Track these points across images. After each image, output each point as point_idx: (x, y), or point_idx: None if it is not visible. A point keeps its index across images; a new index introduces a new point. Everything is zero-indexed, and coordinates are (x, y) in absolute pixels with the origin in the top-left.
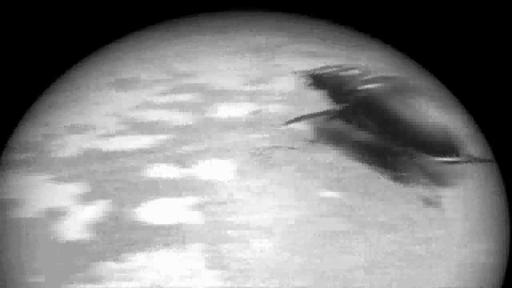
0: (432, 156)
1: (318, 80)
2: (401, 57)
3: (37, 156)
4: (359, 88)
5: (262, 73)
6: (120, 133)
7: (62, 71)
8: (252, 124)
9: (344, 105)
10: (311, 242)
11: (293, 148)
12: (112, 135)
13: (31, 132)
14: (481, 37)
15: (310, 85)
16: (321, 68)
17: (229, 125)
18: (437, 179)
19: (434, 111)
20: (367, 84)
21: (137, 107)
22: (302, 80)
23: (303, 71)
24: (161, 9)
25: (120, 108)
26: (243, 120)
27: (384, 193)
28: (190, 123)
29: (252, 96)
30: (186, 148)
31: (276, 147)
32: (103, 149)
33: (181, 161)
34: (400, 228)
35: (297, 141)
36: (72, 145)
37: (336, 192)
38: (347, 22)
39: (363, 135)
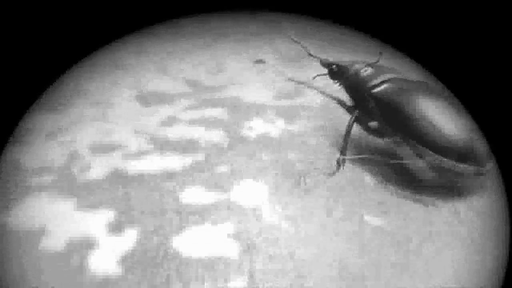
0: (456, 162)
1: (338, 73)
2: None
3: (59, 180)
4: (376, 87)
5: (293, 85)
6: (147, 152)
7: (61, 71)
8: (285, 142)
9: (361, 103)
10: (362, 274)
11: (330, 173)
12: (138, 155)
13: (50, 152)
14: (481, 37)
15: (331, 75)
16: (345, 61)
17: (262, 143)
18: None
19: (452, 115)
20: (384, 84)
21: (162, 123)
22: (324, 69)
23: (326, 60)
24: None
25: (144, 124)
26: (277, 138)
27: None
28: (221, 141)
29: (285, 112)
30: (218, 170)
31: (312, 168)
32: (130, 171)
33: (214, 184)
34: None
35: (332, 160)
36: (97, 167)
37: (379, 218)
38: (347, 22)
39: (379, 139)
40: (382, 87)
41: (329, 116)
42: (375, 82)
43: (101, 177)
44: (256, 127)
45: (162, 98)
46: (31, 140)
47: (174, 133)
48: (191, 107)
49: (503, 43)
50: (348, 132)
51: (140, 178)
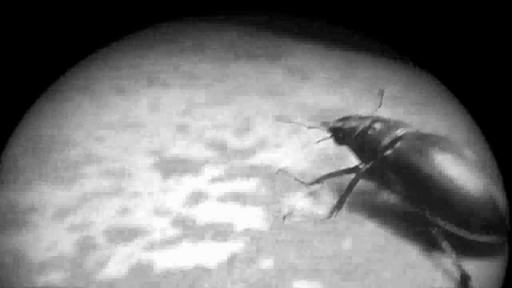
0: (472, 232)
1: (340, 134)
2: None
3: (71, 279)
4: (388, 147)
5: (338, 149)
6: (173, 241)
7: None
8: (340, 227)
9: (371, 164)
10: None
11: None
12: (163, 244)
13: (58, 238)
14: (481, 37)
15: (336, 140)
16: (343, 119)
17: (312, 228)
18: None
19: (476, 177)
20: (397, 142)
21: (188, 201)
22: (324, 133)
23: (323, 122)
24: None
25: (167, 202)
26: (329, 217)
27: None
28: (262, 225)
29: (333, 183)
30: (263, 264)
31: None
32: (157, 267)
33: (260, 284)
34: None
35: None
36: (116, 260)
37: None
38: (346, 21)
39: (391, 199)
40: (395, 147)
41: None
42: (386, 141)
43: (122, 275)
44: (300, 203)
45: (184, 166)
46: (34, 221)
47: (203, 213)
48: (219, 178)
49: (504, 43)
50: (351, 187)
51: (168, 277)
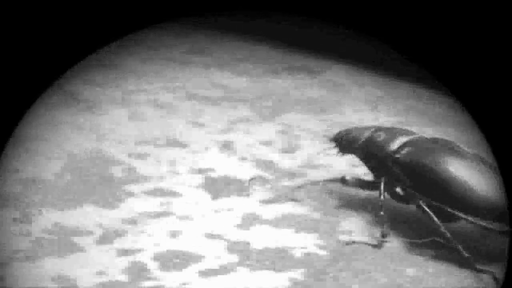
0: (493, 221)
1: (344, 143)
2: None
3: None
4: (398, 151)
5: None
6: (228, 269)
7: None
8: (403, 255)
9: (382, 170)
10: None
11: None
12: (218, 272)
13: (107, 261)
14: (482, 37)
15: (340, 149)
16: (345, 130)
17: (371, 255)
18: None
19: (486, 172)
20: (405, 147)
21: (240, 224)
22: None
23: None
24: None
25: (218, 226)
26: (388, 250)
27: None
28: (321, 252)
29: (391, 211)
30: None
31: None
32: None
33: None
34: None
35: None
36: None
37: None
38: (346, 21)
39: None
40: (405, 150)
41: None
42: (394, 146)
43: None
44: (357, 227)
45: (233, 187)
46: (81, 244)
47: (257, 238)
48: (270, 200)
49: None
50: (382, 204)
51: None
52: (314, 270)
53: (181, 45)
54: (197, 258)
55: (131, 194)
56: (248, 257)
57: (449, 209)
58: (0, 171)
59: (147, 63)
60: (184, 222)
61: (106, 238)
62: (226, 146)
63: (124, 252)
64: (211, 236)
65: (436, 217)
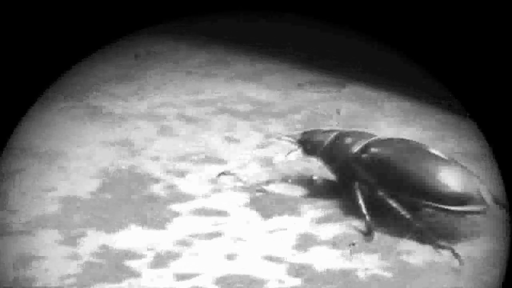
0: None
1: (308, 147)
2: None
3: None
4: (365, 153)
5: None
6: None
7: None
8: None
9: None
10: None
11: None
12: None
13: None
14: (482, 37)
15: (305, 152)
16: (308, 132)
17: None
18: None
19: (446, 170)
20: (371, 148)
21: (298, 246)
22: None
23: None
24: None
25: (277, 247)
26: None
27: None
28: (386, 273)
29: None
30: None
31: None
32: None
33: None
34: None
35: None
36: None
37: None
38: (346, 21)
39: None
40: (371, 151)
41: None
42: (358, 147)
43: None
44: (415, 248)
45: (282, 205)
46: (134, 268)
47: (318, 260)
48: (324, 219)
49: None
50: (361, 205)
51: None
52: None
53: (198, 55)
54: (260, 282)
55: (177, 214)
56: (313, 280)
57: (410, 198)
58: (35, 188)
59: (167, 75)
60: (238, 244)
61: (160, 261)
62: (266, 162)
63: (182, 276)
64: (269, 258)
65: (402, 207)
